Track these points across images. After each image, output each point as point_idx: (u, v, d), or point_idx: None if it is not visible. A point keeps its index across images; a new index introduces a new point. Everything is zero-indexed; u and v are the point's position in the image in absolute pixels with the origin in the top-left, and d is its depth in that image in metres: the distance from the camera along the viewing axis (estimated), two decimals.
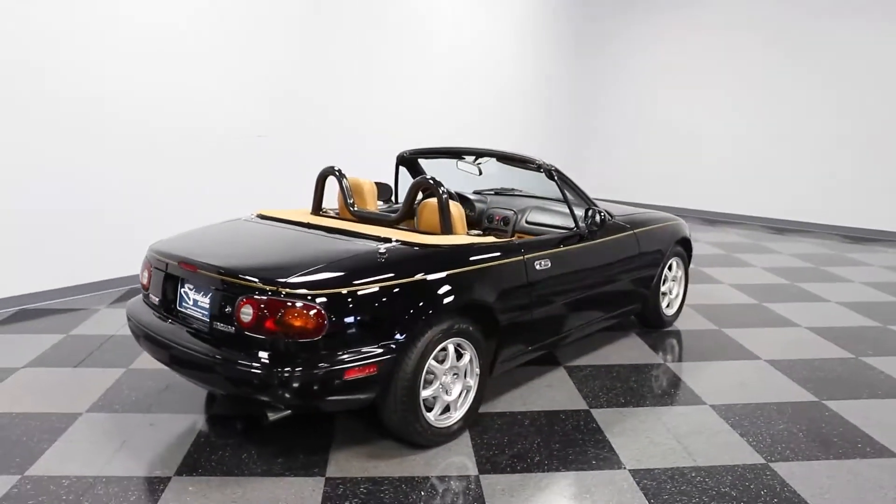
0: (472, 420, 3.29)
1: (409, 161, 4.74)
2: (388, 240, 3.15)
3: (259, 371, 2.63)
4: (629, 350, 4.40)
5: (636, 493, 2.75)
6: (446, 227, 3.40)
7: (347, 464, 2.93)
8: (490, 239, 3.41)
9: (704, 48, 9.60)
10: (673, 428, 3.33)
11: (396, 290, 2.86)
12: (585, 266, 3.91)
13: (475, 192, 4.98)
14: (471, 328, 3.13)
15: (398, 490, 2.74)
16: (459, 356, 3.15)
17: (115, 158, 5.24)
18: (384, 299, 2.82)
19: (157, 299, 3.15)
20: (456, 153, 4.45)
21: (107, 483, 2.71)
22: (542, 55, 9.61)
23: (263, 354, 2.67)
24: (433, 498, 2.70)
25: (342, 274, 2.79)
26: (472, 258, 3.19)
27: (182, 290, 3.03)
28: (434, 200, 3.46)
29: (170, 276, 3.09)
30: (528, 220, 4.42)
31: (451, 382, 3.12)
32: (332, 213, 3.98)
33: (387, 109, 7.41)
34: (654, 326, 4.82)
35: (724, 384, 3.89)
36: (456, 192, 4.60)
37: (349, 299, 2.73)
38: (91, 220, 5.16)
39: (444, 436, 3.12)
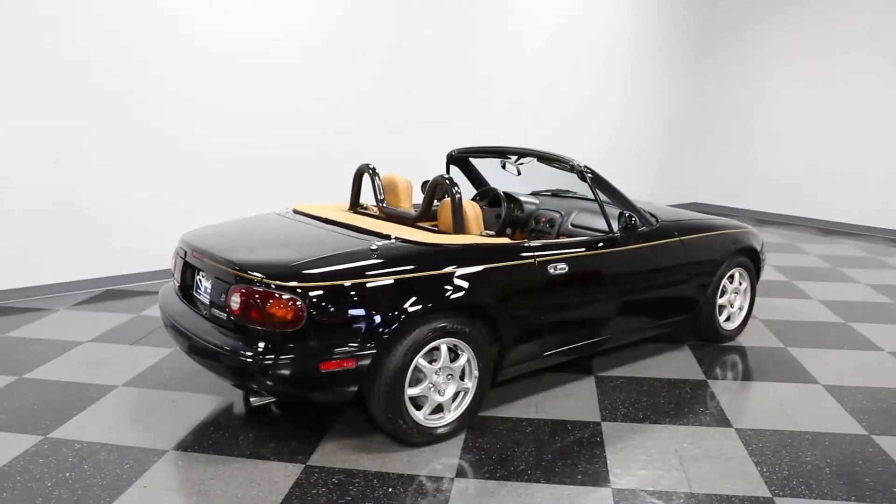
0: (471, 422, 3.26)
1: (459, 160, 4.74)
2: (388, 237, 3.18)
3: (241, 358, 2.75)
4: (673, 363, 4.13)
5: None
6: (458, 227, 3.38)
7: (332, 454, 2.99)
8: (501, 240, 3.35)
9: (840, 38, 8.67)
10: (682, 449, 3.09)
11: (381, 287, 2.88)
12: (614, 272, 3.72)
13: (533, 193, 4.89)
14: (468, 329, 3.08)
15: (368, 484, 2.76)
16: (457, 357, 3.12)
17: (209, 153, 5.67)
18: (368, 295, 2.85)
19: (178, 285, 3.38)
20: (500, 153, 4.39)
21: (110, 451, 2.96)
22: (649, 52, 9.17)
23: (246, 342, 2.79)
24: (398, 495, 2.70)
25: (327, 269, 2.85)
26: (471, 258, 3.14)
27: (197, 277, 3.23)
28: (449, 200, 3.45)
29: (188, 263, 3.30)
30: (574, 223, 4.27)
31: (443, 383, 3.09)
32: (371, 209, 4.06)
33: (485, 110, 7.47)
34: (710, 340, 4.49)
35: (761, 407, 3.56)
36: (505, 193, 4.55)
37: (331, 293, 2.79)
38: (183, 214, 5.60)
39: (436, 436, 3.10)
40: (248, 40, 5.77)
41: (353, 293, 2.83)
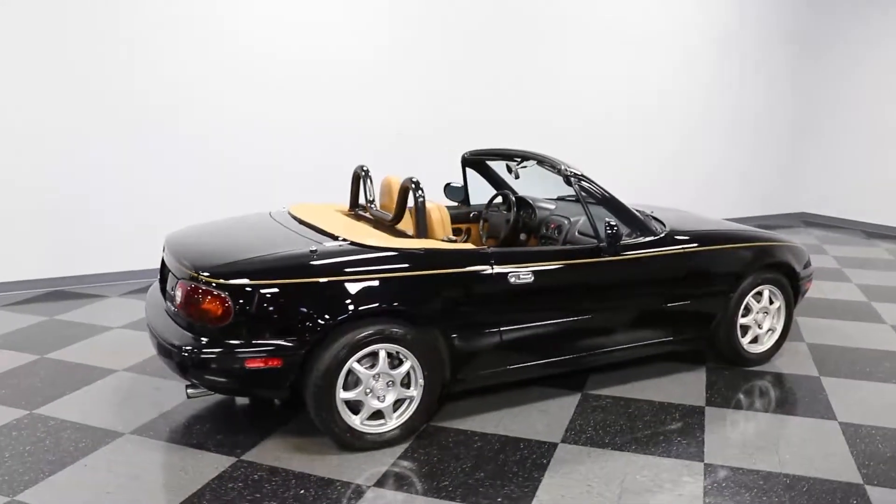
0: (420, 431, 3.19)
1: (473, 162, 4.64)
2: (337, 238, 3.17)
3: (176, 350, 2.87)
4: (677, 385, 3.80)
5: None
6: (421, 230, 3.32)
7: (269, 451, 3.04)
8: (456, 245, 3.24)
9: None
10: (632, 481, 2.83)
11: (311, 288, 2.89)
12: (595, 284, 3.49)
13: (559, 198, 4.70)
14: (409, 336, 3.01)
15: (285, 483, 2.78)
16: (400, 363, 3.06)
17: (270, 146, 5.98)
18: (296, 296, 2.87)
19: (158, 279, 3.59)
20: (509, 156, 4.26)
21: (76, 429, 3.19)
22: (754, 47, 8.45)
23: (184, 336, 2.91)
24: (305, 497, 2.69)
25: (259, 268, 2.90)
26: (415, 263, 3.07)
27: (168, 274, 3.40)
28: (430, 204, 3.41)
29: (164, 261, 3.49)
30: (581, 230, 4.05)
31: (381, 389, 3.04)
32: (371, 209, 4.08)
33: (568, 112, 7.33)
34: (733, 363, 4.07)
35: (750, 441, 3.18)
36: (518, 197, 4.41)
37: (258, 292, 2.84)
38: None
39: (375, 442, 3.06)
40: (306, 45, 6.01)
41: (281, 292, 2.86)
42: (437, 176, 4.82)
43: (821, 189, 8.98)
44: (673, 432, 3.28)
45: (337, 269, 2.96)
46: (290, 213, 3.73)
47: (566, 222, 4.10)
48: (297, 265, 2.94)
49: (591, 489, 2.77)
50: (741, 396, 3.69)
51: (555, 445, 3.14)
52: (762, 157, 8.75)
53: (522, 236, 4.42)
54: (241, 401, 3.52)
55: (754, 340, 4.09)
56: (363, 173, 4.00)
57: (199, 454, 3.01)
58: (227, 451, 3.04)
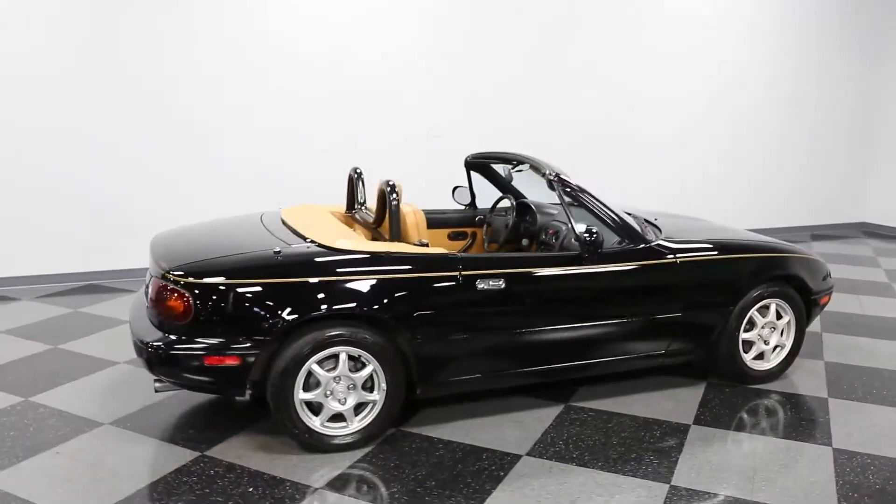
0: (384, 435, 3.18)
1: (476, 165, 4.59)
2: (306, 240, 3.20)
3: (143, 346, 2.97)
4: (669, 402, 3.63)
5: None
6: (394, 234, 3.32)
7: (233, 448, 3.09)
8: (424, 250, 3.20)
9: None
10: (585, 499, 2.72)
11: (270, 288, 2.93)
12: (573, 293, 3.39)
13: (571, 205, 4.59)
14: (371, 340, 3.01)
15: (237, 480, 2.83)
16: (363, 366, 3.06)
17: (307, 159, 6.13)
18: (256, 296, 2.91)
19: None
20: (506, 159, 4.19)
21: (60, 417, 3.35)
22: (815, 47, 8.00)
23: (151, 332, 3.00)
24: (251, 496, 2.72)
25: (221, 267, 2.96)
26: (378, 268, 3.05)
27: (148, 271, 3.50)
28: (405, 206, 3.40)
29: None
30: (577, 237, 3.93)
31: (342, 392, 3.04)
32: (368, 212, 4.09)
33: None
34: (735, 380, 3.86)
35: (726, 465, 3.01)
36: (520, 202, 4.33)
37: (218, 291, 2.89)
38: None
39: (334, 444, 3.07)
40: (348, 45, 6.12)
41: (239, 292, 2.91)
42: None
43: (884, 199, 8.39)
44: (647, 450, 3.13)
45: (296, 270, 2.99)
46: (280, 214, 3.80)
47: (563, 228, 3.99)
48: (256, 266, 2.98)
49: None
50: (734, 416, 3.49)
51: (518, 458, 3.06)
52: (819, 164, 8.25)
53: (525, 241, 4.33)
54: (222, 399, 3.60)
55: (759, 357, 3.86)
56: (356, 175, 4.02)
57: (166, 447, 3.10)
58: (193, 445, 3.12)
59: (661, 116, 7.41)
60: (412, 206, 3.42)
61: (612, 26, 7.05)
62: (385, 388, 3.09)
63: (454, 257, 3.18)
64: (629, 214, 4.24)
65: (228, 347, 2.89)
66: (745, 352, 3.81)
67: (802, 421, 3.44)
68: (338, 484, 2.83)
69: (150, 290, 3.07)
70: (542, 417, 3.45)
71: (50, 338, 4.44)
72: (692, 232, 3.95)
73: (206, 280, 2.91)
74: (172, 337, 2.92)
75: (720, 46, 7.51)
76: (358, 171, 4.04)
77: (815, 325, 4.88)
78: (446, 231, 4.59)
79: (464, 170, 4.59)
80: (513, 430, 3.32)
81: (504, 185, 4.64)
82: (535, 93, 6.86)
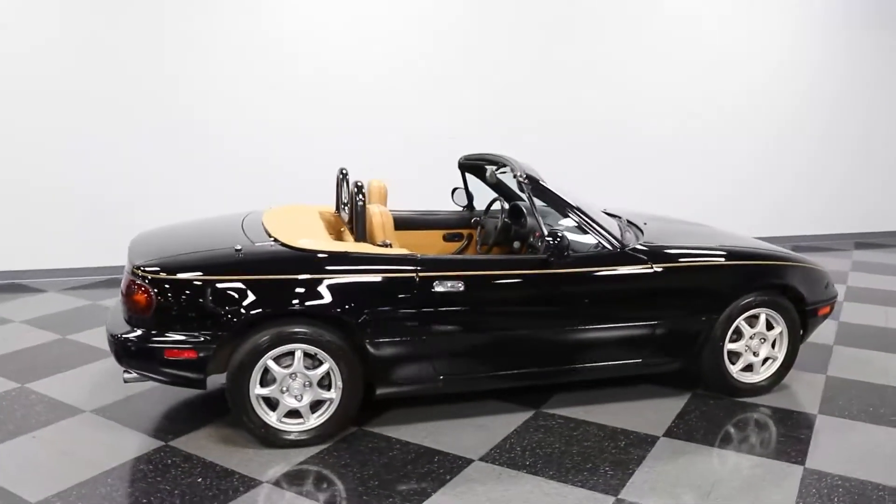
0: (343, 433, 3.22)
1: (469, 167, 4.57)
2: (272, 239, 3.26)
3: (112, 338, 3.10)
4: (646, 412, 3.52)
5: None
6: (359, 234, 3.35)
7: (196, 440, 3.19)
8: (383, 251, 3.21)
9: None
10: None
11: (227, 285, 3.00)
12: (534, 297, 3.34)
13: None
14: (327, 338, 3.05)
15: (190, 471, 2.92)
16: (320, 364, 3.10)
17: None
18: (213, 292, 2.99)
19: None
20: (494, 161, 4.16)
21: (47, 403, 3.53)
22: (870, 46, 7.61)
23: (120, 325, 3.13)
24: (198, 486, 2.80)
25: (182, 263, 3.06)
26: (335, 267, 3.09)
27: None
28: (371, 207, 3.43)
29: None
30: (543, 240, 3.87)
31: (298, 388, 3.09)
32: (342, 212, 4.15)
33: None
34: (721, 392, 3.70)
35: (687, 480, 2.89)
36: (513, 204, 4.29)
37: (177, 286, 2.99)
38: None
39: (290, 440, 3.13)
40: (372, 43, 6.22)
41: (196, 288, 2.99)
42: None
43: None
44: (605, 461, 3.04)
45: (254, 268, 3.05)
46: (262, 214, 3.89)
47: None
48: (216, 263, 3.07)
49: None
50: (709, 429, 3.35)
51: (469, 462, 3.03)
52: (863, 169, 7.80)
53: (516, 244, 4.29)
54: (201, 392, 3.71)
55: (748, 369, 3.70)
56: (341, 176, 4.08)
57: (134, 436, 3.23)
58: (160, 435, 3.23)
59: (687, 118, 7.18)
60: (380, 208, 3.44)
61: (634, 26, 6.88)
62: (341, 386, 3.13)
63: (412, 258, 3.18)
64: (614, 217, 4.16)
65: (186, 341, 2.99)
66: (733, 363, 3.66)
67: (781, 438, 3.27)
68: (284, 479, 2.88)
69: (122, 285, 3.21)
70: (507, 423, 3.40)
71: (61, 328, 4.68)
72: (679, 237, 3.82)
73: (166, 275, 3.01)
74: (138, 330, 3.04)
75: (763, 46, 7.21)
76: (344, 171, 4.09)
77: (826, 337, 4.63)
78: (442, 232, 4.59)
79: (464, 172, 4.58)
80: (474, 434, 3.29)
81: (495, 187, 4.61)
82: (539, 94, 6.76)
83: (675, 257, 3.52)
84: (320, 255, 3.13)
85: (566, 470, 2.97)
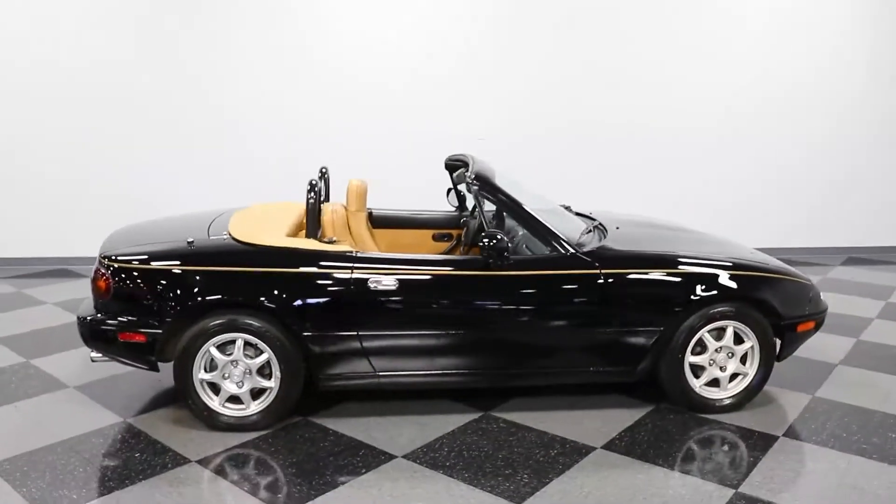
0: (283, 421, 3.35)
1: (453, 167, 4.58)
2: (225, 233, 3.44)
3: (78, 321, 3.37)
4: (594, 422, 3.43)
5: None
6: (309, 230, 3.46)
7: (153, 418, 3.43)
8: (322, 246, 3.32)
9: None
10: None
11: (176, 275, 3.21)
12: (470, 299, 3.34)
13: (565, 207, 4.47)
14: (265, 329, 3.18)
15: (133, 446, 3.15)
16: (260, 353, 3.25)
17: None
18: (160, 280, 3.21)
19: None
20: (465, 162, 4.17)
21: (40, 379, 3.89)
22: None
23: (87, 309, 3.40)
24: (134, 459, 3.02)
25: (137, 253, 3.29)
26: (274, 261, 3.22)
27: None
28: (324, 205, 3.55)
29: None
30: (528, 244, 3.83)
31: (239, 376, 3.25)
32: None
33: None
34: (684, 407, 3.54)
35: (600, 495, 2.81)
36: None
37: (129, 273, 3.23)
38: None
39: (232, 425, 3.29)
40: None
41: (146, 275, 3.22)
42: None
43: None
44: (527, 468, 3.00)
45: (200, 259, 3.24)
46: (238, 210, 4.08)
47: (520, 233, 3.90)
48: (167, 253, 3.28)
49: None
50: (653, 444, 3.22)
51: (392, 458, 3.08)
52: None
53: None
54: None
55: (714, 384, 3.51)
56: (321, 175, 4.21)
57: (100, 412, 3.50)
58: (123, 412, 3.49)
59: (711, 120, 6.83)
60: (333, 206, 3.54)
61: (677, 22, 6.62)
62: (280, 376, 3.26)
63: (348, 255, 3.27)
64: (588, 219, 4.07)
65: (137, 325, 3.22)
66: (697, 376, 3.49)
67: (726, 459, 3.09)
68: (210, 460, 3.04)
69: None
70: (449, 423, 3.42)
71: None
72: (648, 242, 3.67)
73: (121, 263, 3.26)
74: (99, 314, 3.30)
75: (810, 46, 6.75)
76: (323, 170, 4.23)
77: (833, 355, 4.31)
78: (431, 232, 4.64)
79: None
80: (410, 431, 3.33)
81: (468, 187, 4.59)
82: (568, 95, 6.64)
83: (629, 263, 3.40)
84: (262, 250, 3.27)
85: (483, 474, 2.96)
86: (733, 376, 3.53)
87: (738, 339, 3.48)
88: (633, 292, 3.38)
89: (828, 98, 6.93)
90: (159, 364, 3.34)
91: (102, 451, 3.11)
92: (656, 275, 3.39)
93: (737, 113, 6.84)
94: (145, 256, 3.28)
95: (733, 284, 3.42)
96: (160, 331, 3.20)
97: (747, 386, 3.52)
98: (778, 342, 3.58)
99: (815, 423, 3.43)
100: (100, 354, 3.42)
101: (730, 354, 3.48)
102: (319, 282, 3.22)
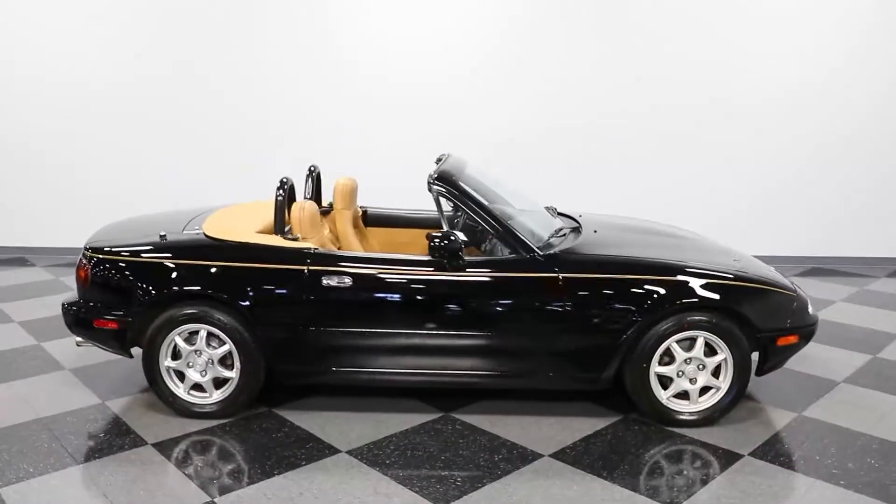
0: (246, 411, 3.46)
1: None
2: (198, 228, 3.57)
3: (63, 308, 3.59)
4: (554, 429, 3.36)
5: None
6: (276, 227, 3.54)
7: (127, 403, 3.60)
8: (283, 243, 3.40)
9: None
10: (343, 501, 2.71)
11: (145, 266, 3.37)
12: (422, 299, 3.34)
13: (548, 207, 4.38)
14: (225, 321, 3.29)
15: (101, 427, 3.34)
16: (223, 344, 3.36)
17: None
18: (133, 271, 3.38)
19: None
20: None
21: (44, 361, 4.15)
22: None
23: (72, 297, 3.62)
24: (98, 438, 3.20)
25: (112, 245, 3.49)
26: (235, 256, 3.33)
27: None
28: (296, 202, 3.64)
29: None
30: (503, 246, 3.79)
31: (201, 365, 3.37)
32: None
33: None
34: (652, 418, 3.39)
35: (520, 502, 2.72)
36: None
37: (104, 264, 3.42)
38: None
39: (196, 412, 3.41)
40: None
41: (120, 266, 3.40)
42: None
43: None
44: (464, 471, 2.97)
45: (167, 253, 3.38)
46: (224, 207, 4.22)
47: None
48: (136, 246, 3.45)
49: (270, 499, 2.77)
50: (605, 456, 3.11)
51: (336, 452, 3.13)
52: None
53: (485, 246, 4.24)
54: None
55: (678, 395, 3.35)
56: (309, 172, 4.29)
57: (84, 393, 3.70)
58: (104, 395, 3.68)
59: (748, 119, 6.47)
60: (301, 203, 3.60)
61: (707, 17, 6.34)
62: (240, 367, 3.36)
63: (305, 252, 3.33)
64: (572, 219, 3.98)
65: (110, 313, 3.40)
66: (666, 388, 3.34)
67: (675, 476, 2.95)
68: (166, 445, 3.18)
69: None
70: (405, 422, 3.42)
71: None
72: (621, 247, 3.54)
73: (97, 254, 3.45)
74: (80, 302, 3.51)
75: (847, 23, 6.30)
76: (312, 167, 4.31)
77: (839, 371, 4.02)
78: (426, 231, 4.63)
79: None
80: (364, 428, 3.35)
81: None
82: (601, 97, 6.46)
83: (590, 267, 3.29)
84: (226, 245, 3.39)
85: (418, 474, 2.95)
86: (705, 389, 3.36)
87: (711, 351, 3.31)
88: (591, 298, 3.27)
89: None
90: (133, 351, 3.53)
91: (72, 429, 3.31)
92: (618, 280, 3.27)
93: (779, 113, 6.47)
94: (119, 248, 3.46)
95: (703, 293, 3.25)
96: (130, 319, 3.37)
97: (719, 401, 3.34)
98: (756, 356, 3.39)
99: (789, 443, 3.22)
100: (82, 339, 3.63)
101: (700, 366, 3.32)
102: (277, 277, 3.30)
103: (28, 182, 6.60)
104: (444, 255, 3.23)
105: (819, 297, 5.38)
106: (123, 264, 3.40)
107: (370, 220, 4.56)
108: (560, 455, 3.11)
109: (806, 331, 3.45)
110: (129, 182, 6.60)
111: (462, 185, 3.45)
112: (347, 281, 3.27)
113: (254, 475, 2.93)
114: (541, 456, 3.11)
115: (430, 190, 3.44)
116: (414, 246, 4.53)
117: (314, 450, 3.15)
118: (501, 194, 4.02)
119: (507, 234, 3.37)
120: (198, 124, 6.55)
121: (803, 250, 6.65)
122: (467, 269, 3.28)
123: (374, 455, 3.11)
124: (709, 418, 3.36)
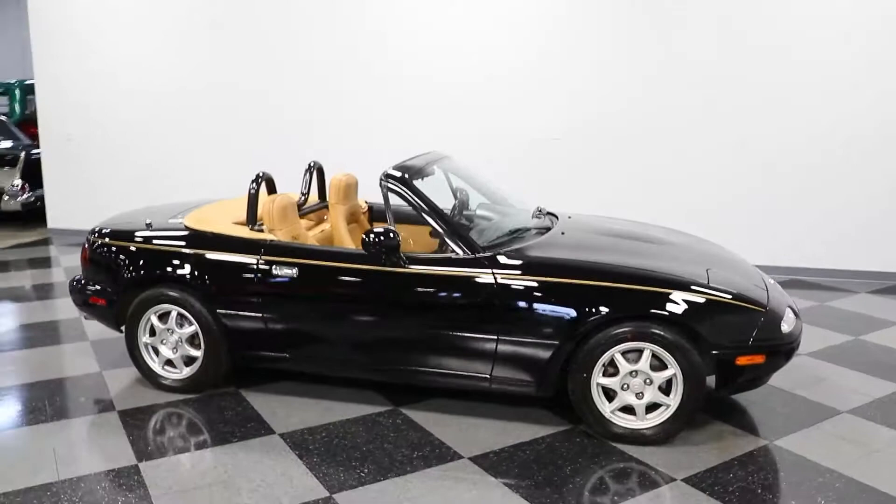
0: (209, 388, 3.70)
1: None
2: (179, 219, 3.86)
3: (69, 284, 4.02)
4: (491, 432, 3.28)
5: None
6: (248, 218, 3.74)
7: (117, 374, 3.95)
8: (243, 233, 3.60)
9: None
10: (255, 480, 2.86)
11: (127, 251, 3.70)
12: (363, 293, 3.41)
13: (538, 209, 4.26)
14: (191, 303, 3.55)
15: (83, 390, 3.73)
16: (191, 325, 3.62)
17: None
18: (118, 254, 3.73)
19: None
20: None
21: (73, 330, 4.66)
22: None
23: (77, 275, 4.05)
24: (69, 399, 3.58)
25: (107, 230, 3.86)
26: (202, 245, 3.58)
27: None
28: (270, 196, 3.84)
29: None
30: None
31: (172, 343, 3.64)
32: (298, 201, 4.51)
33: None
34: (596, 432, 3.22)
35: (418, 500, 2.69)
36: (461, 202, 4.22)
37: (98, 247, 3.80)
38: None
39: (167, 386, 3.70)
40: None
41: (106, 250, 3.77)
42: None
43: None
44: (376, 464, 2.99)
45: (147, 240, 3.69)
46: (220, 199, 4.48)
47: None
48: (126, 232, 3.79)
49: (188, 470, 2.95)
50: (525, 465, 2.99)
51: (270, 434, 3.27)
52: None
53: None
54: None
55: (623, 409, 3.13)
56: (308, 167, 4.47)
57: (88, 363, 4.12)
58: (105, 366, 4.08)
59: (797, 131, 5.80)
60: (272, 197, 3.76)
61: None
62: (204, 348, 3.59)
63: (259, 243, 3.49)
64: (553, 215, 3.88)
65: (100, 291, 3.77)
66: (610, 400, 3.15)
67: (590, 493, 2.78)
68: (130, 414, 3.48)
69: None
70: (351, 411, 3.49)
71: None
72: (580, 251, 3.38)
73: (93, 238, 3.85)
74: (82, 280, 3.92)
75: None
76: (311, 164, 4.48)
77: (849, 399, 3.58)
78: (429, 228, 4.68)
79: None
80: (308, 414, 3.46)
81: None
82: (644, 97, 6.10)
83: (531, 270, 3.17)
84: (196, 234, 3.64)
85: (330, 462, 3.01)
86: (655, 406, 3.13)
87: (661, 365, 3.08)
88: (528, 301, 3.15)
89: None
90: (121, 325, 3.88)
91: (61, 394, 3.71)
92: (559, 285, 3.13)
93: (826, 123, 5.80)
94: (110, 233, 3.83)
95: (649, 302, 3.03)
96: (114, 297, 3.72)
97: (669, 418, 3.10)
98: (713, 375, 3.10)
99: (736, 472, 2.91)
100: (84, 314, 4.05)
101: (647, 381, 3.09)
102: (233, 266, 3.50)
103: (119, 178, 7.44)
104: (381, 251, 3.26)
105: (882, 318, 4.78)
106: (113, 248, 3.76)
107: (376, 216, 4.67)
108: (479, 459, 3.04)
109: (777, 350, 3.10)
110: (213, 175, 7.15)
111: (414, 183, 3.46)
112: (294, 272, 3.40)
113: (183, 447, 3.14)
114: (460, 458, 3.05)
115: (380, 185, 3.48)
116: (415, 242, 4.58)
117: (252, 430, 3.31)
118: (481, 192, 3.98)
119: (448, 233, 3.33)
120: (285, 125, 7.00)
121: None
122: (408, 266, 3.29)
123: (302, 440, 3.21)
124: (654, 437, 3.12)
